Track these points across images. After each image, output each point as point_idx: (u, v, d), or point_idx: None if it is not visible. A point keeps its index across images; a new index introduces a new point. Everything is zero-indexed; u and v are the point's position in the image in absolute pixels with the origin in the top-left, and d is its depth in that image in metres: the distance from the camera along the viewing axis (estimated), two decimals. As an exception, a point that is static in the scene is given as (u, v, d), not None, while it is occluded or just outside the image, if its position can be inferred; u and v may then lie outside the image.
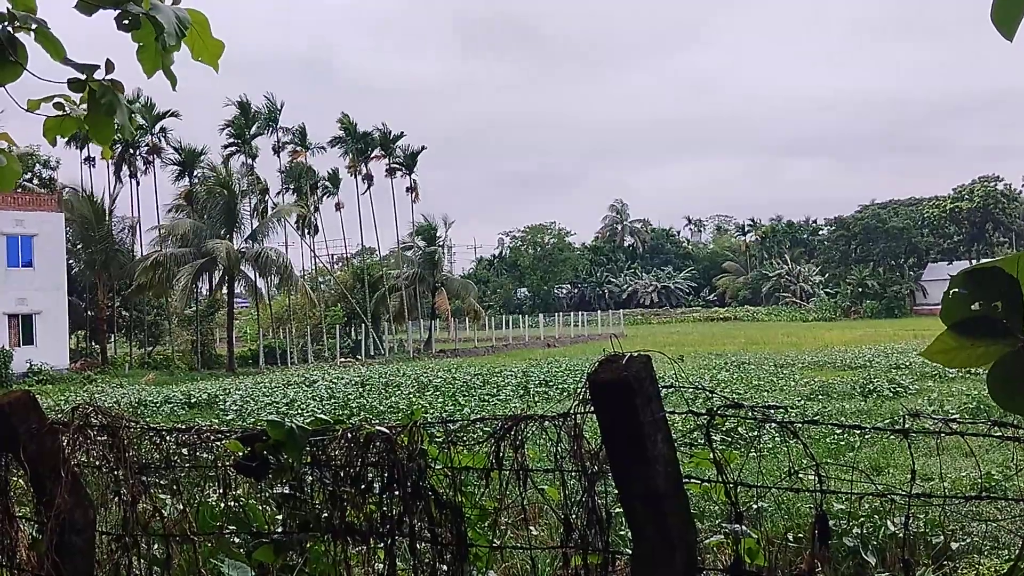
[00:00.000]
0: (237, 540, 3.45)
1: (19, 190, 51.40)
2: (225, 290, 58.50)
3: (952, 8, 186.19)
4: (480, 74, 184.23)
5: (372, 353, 61.05)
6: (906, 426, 2.37)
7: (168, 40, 2.92)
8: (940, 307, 1.72)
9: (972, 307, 1.67)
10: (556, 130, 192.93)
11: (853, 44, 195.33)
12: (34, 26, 2.97)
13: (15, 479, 3.51)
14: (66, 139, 48.70)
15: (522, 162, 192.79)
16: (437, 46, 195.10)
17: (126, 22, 2.89)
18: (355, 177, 65.11)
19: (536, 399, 25.18)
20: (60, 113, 3.25)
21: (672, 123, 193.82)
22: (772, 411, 2.49)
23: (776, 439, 12.75)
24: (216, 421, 21.64)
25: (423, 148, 67.28)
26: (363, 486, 3.01)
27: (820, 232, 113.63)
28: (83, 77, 3.06)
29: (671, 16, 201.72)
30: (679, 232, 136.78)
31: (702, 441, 2.47)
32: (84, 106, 3.18)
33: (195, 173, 59.60)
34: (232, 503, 3.43)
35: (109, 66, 3.07)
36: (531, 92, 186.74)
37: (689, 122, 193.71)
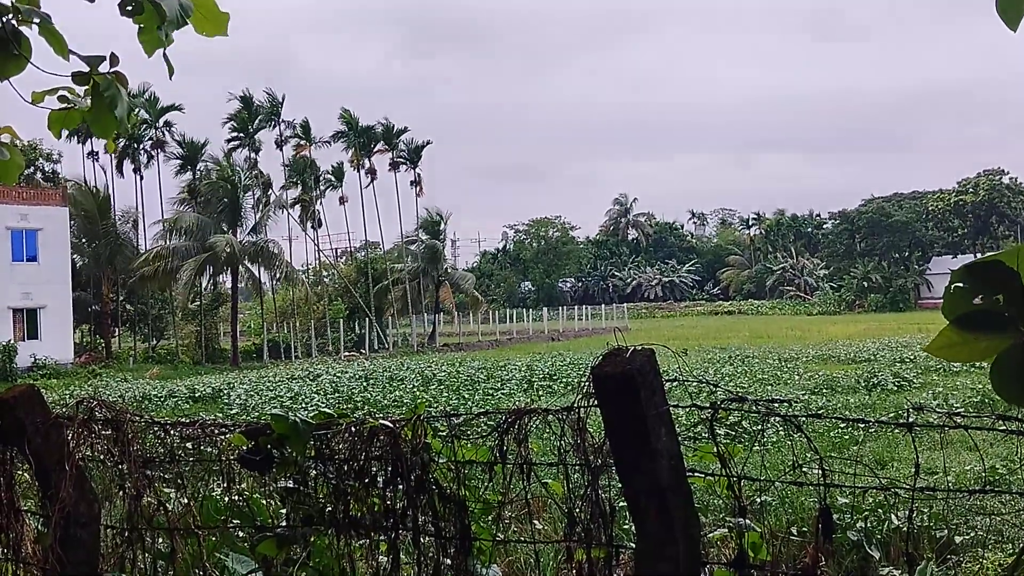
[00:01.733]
0: (241, 534, 3.46)
1: (24, 184, 51.49)
2: (229, 284, 58.58)
3: (874, 10, 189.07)
4: (431, 72, 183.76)
5: (376, 347, 61.11)
6: (910, 420, 2.37)
7: (169, 28, 2.92)
8: (942, 302, 1.72)
9: (974, 301, 1.67)
10: (517, 124, 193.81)
11: (790, 43, 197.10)
12: (37, 20, 2.98)
13: (20, 473, 3.52)
14: (68, 133, 48.86)
15: (495, 156, 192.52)
16: (385, 45, 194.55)
17: (129, 8, 2.90)
18: (358, 171, 65.18)
19: (540, 393, 25.21)
20: (65, 106, 3.25)
21: (633, 118, 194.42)
22: (776, 405, 2.49)
23: (780, 433, 12.75)
24: (220, 415, 21.69)
25: (428, 142, 67.32)
26: (367, 480, 3.01)
27: (824, 226, 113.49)
28: (87, 70, 3.06)
29: (608, 14, 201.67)
30: (683, 226, 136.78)
31: (706, 435, 2.47)
32: (89, 99, 3.18)
33: (198, 167, 59.66)
34: (236, 497, 3.44)
35: (114, 59, 3.07)
36: (483, 88, 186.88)
37: (651, 117, 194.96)
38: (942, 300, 1.72)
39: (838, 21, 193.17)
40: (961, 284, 1.69)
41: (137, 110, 59.20)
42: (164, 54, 3.05)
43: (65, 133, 3.49)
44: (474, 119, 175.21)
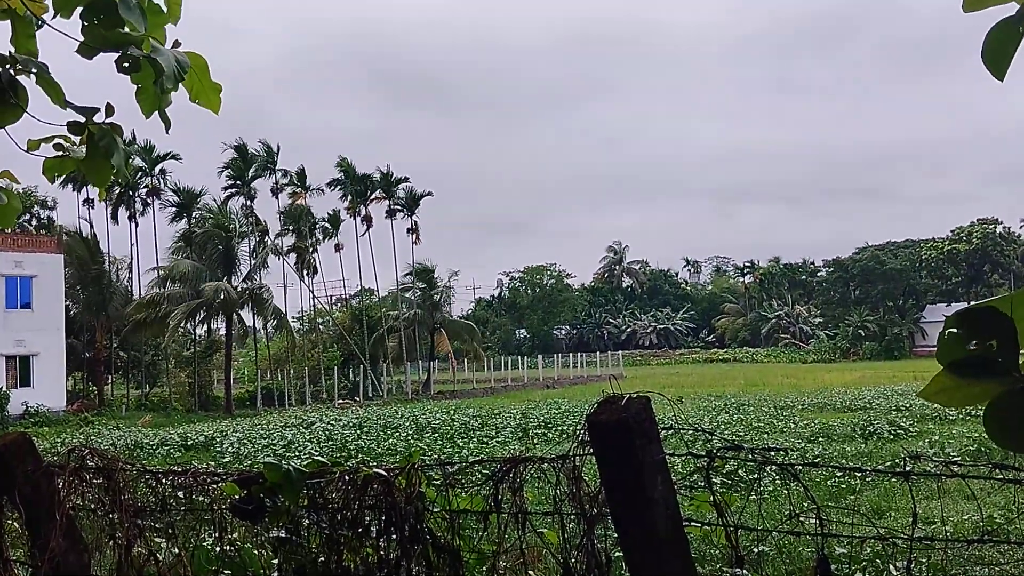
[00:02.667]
0: (232, 584, 3.41)
1: (18, 231, 51.59)
2: (223, 331, 58.46)
3: (832, 70, 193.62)
4: (403, 125, 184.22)
5: (370, 394, 60.85)
6: (907, 468, 2.36)
7: (166, 83, 2.96)
8: (936, 348, 1.73)
9: (968, 347, 1.69)
10: (494, 179, 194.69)
11: (757, 101, 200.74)
12: (35, 70, 3.01)
13: (9, 522, 3.48)
14: (64, 180, 49.17)
15: (473, 209, 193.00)
16: (354, 100, 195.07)
17: (126, 64, 2.93)
18: (354, 218, 65.48)
19: (535, 441, 25.06)
20: (60, 154, 3.28)
21: (609, 173, 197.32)
22: (772, 453, 2.48)
23: (777, 482, 12.66)
24: (212, 463, 21.50)
25: (428, 193, 67.82)
26: (360, 529, 2.98)
27: (818, 274, 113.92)
28: (83, 120, 3.09)
29: (573, 72, 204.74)
30: (677, 273, 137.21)
31: (702, 483, 2.45)
32: (83, 147, 3.22)
33: (194, 215, 59.88)
34: (228, 547, 3.40)
35: (109, 110, 3.11)
36: (452, 145, 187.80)
37: (622, 171, 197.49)
38: (936, 348, 1.73)
39: (804, 81, 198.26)
40: (955, 330, 1.70)
41: (133, 158, 59.64)
42: (160, 110, 3.08)
43: (60, 180, 3.54)
44: (448, 174, 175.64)
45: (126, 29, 2.87)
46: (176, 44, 3.05)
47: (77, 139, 3.22)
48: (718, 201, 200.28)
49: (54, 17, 3.00)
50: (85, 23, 2.88)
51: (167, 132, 3.19)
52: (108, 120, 3.13)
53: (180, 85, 3.06)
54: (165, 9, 3.11)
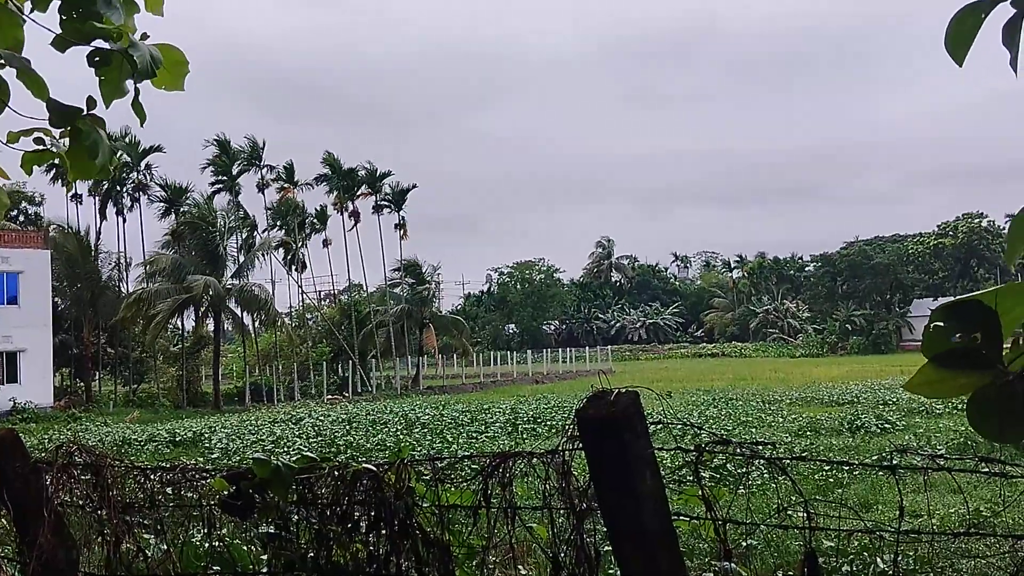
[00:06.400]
0: (222, 580, 3.41)
1: (5, 226, 51.29)
2: (211, 327, 58.26)
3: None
4: (300, 137, 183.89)
5: (359, 390, 60.77)
6: (894, 462, 2.38)
7: (139, 79, 2.94)
8: (922, 341, 1.75)
9: (953, 339, 1.70)
10: (421, 182, 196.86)
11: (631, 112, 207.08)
12: (17, 65, 2.99)
13: (-3, 519, 3.47)
14: (52, 176, 48.86)
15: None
16: (245, 112, 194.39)
17: (97, 59, 2.90)
18: (341, 214, 65.30)
19: (524, 436, 25.07)
20: (40, 148, 3.26)
21: (525, 177, 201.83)
22: (760, 447, 2.50)
23: (765, 476, 12.70)
24: (201, 460, 21.44)
25: (413, 186, 67.65)
26: (350, 525, 2.98)
27: (806, 268, 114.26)
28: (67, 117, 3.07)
29: (465, 82, 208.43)
30: (666, 268, 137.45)
31: (691, 478, 2.46)
32: (64, 141, 3.19)
33: (182, 210, 59.63)
34: (217, 543, 3.40)
35: (90, 103, 3.08)
36: (357, 151, 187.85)
37: (552, 174, 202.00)
38: (922, 341, 1.75)
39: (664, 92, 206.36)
40: (940, 323, 1.72)
41: (119, 153, 59.35)
42: (137, 101, 3.06)
43: (49, 176, 3.50)
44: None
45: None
46: (144, 36, 3.03)
47: (58, 132, 3.20)
48: (648, 203, 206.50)
49: (32, 11, 2.98)
50: (63, 16, 2.86)
51: (142, 124, 3.17)
52: (89, 112, 3.10)
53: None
54: (142, 3, 3.08)
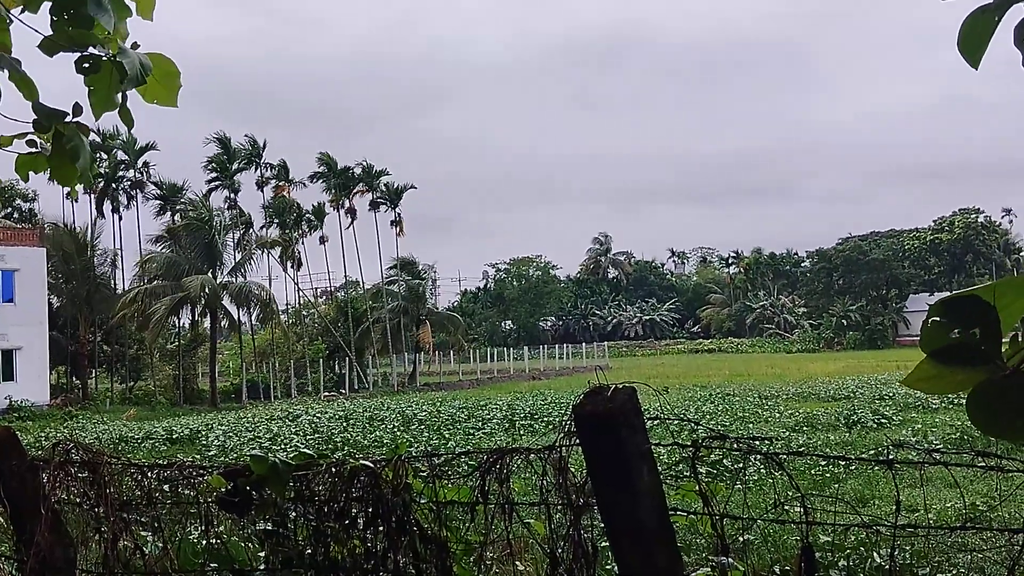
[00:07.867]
0: (219, 577, 3.41)
1: (0, 224, 51.20)
2: (208, 324, 58.19)
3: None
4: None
5: (356, 387, 60.75)
6: (890, 457, 2.38)
7: (128, 87, 2.90)
8: (919, 336, 1.75)
9: (951, 335, 1.70)
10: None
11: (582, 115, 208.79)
12: (6, 67, 2.96)
13: (-6, 517, 3.46)
14: (48, 176, 48.54)
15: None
16: (194, 115, 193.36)
17: (86, 66, 2.86)
18: (338, 211, 65.31)
19: (522, 432, 25.09)
20: (33, 150, 3.23)
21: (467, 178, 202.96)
22: (757, 443, 2.50)
23: (761, 471, 12.72)
24: (198, 457, 21.42)
25: (411, 186, 67.78)
26: (347, 521, 2.98)
27: (802, 264, 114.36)
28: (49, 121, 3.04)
29: (406, 85, 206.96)
30: (662, 264, 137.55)
31: (688, 473, 2.46)
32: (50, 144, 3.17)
33: (177, 208, 59.56)
34: (214, 540, 3.40)
35: (76, 109, 3.04)
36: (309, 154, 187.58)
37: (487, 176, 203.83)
38: (919, 336, 1.75)
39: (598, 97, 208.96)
40: (938, 318, 1.71)
41: (115, 152, 59.29)
42: (125, 107, 3.03)
43: (46, 175, 3.47)
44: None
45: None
46: (135, 46, 2.99)
47: (46, 136, 3.17)
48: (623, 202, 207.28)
49: (22, 12, 2.95)
50: (54, 17, 2.83)
51: (130, 130, 3.16)
52: (75, 119, 3.07)
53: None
54: (133, 7, 3.04)
